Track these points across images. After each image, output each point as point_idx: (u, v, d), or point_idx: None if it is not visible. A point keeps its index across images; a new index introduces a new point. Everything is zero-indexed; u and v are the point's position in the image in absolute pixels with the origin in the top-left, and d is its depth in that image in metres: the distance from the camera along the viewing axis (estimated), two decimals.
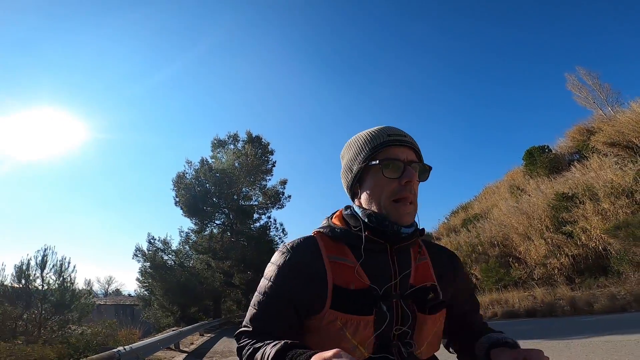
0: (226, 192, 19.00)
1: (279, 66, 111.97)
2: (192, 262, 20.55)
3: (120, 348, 5.22)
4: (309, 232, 0.86)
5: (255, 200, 21.24)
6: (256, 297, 0.78)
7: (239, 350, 0.74)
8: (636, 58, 37.27)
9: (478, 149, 76.46)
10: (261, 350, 0.65)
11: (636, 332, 5.37)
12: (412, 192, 0.76)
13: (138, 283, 21.56)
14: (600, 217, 12.06)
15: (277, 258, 0.79)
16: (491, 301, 11.54)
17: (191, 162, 20.11)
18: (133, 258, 20.26)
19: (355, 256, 0.76)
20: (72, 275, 10.47)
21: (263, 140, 21.44)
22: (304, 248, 0.79)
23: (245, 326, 0.77)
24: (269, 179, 21.58)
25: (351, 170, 0.82)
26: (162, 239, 20.61)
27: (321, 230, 0.83)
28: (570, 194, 13.96)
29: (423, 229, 0.83)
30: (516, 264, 14.07)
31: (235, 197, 19.78)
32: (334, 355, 0.51)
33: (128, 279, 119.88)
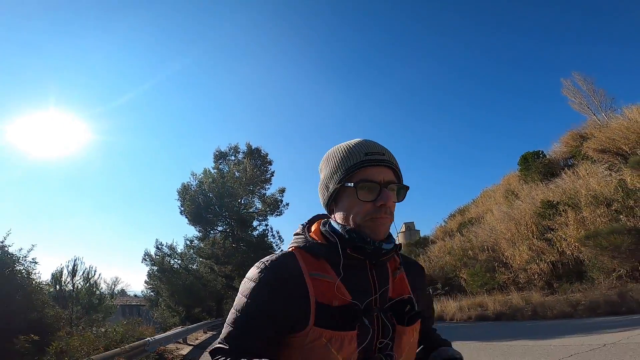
0: (227, 201, 20.14)
1: (279, 67, 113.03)
2: (196, 265, 21.81)
3: (149, 338, 7.35)
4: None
5: (255, 208, 22.29)
6: (232, 314, 0.76)
7: None
8: (632, 64, 37.00)
9: (479, 151, 76.22)
10: None
11: (561, 337, 6.01)
12: (387, 213, 0.76)
13: (145, 285, 22.82)
14: (578, 225, 12.50)
15: (254, 274, 0.76)
16: (470, 305, 12.09)
17: (195, 174, 21.50)
18: (142, 262, 21.61)
19: (336, 272, 0.75)
20: (98, 281, 12.66)
21: (262, 151, 22.68)
22: (284, 265, 0.76)
23: (220, 344, 0.74)
24: (268, 187, 22.69)
25: (327, 189, 0.82)
26: (168, 244, 21.90)
27: (299, 245, 0.81)
28: (554, 202, 14.39)
29: (400, 244, 0.84)
30: (502, 269, 14.55)
31: (235, 206, 20.91)
32: None
33: (133, 280, 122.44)
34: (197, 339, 13.43)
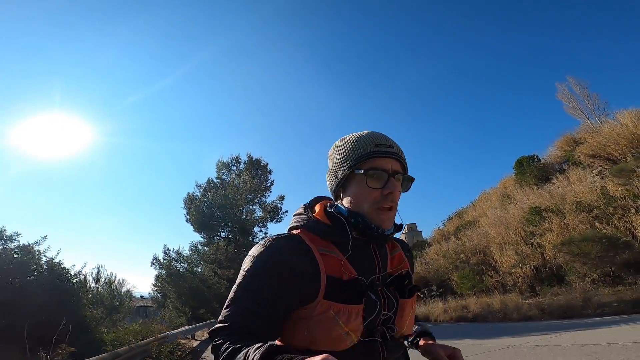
0: (229, 209, 21.63)
1: (279, 68, 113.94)
2: (200, 268, 23.03)
3: (168, 332, 9.38)
4: None
5: (255, 216, 23.53)
6: (235, 292, 0.74)
7: (215, 349, 0.68)
8: (625, 67, 36.68)
9: (481, 152, 75.89)
10: (243, 352, 0.60)
11: (499, 337, 6.56)
12: (393, 202, 0.79)
13: (153, 287, 24.21)
14: (562, 231, 12.98)
15: (259, 251, 0.76)
16: (456, 307, 12.62)
17: (199, 185, 23.36)
18: (151, 266, 22.93)
19: (340, 250, 0.78)
20: (118, 286, 14.95)
21: (262, 161, 24.18)
22: (290, 243, 0.77)
23: (222, 322, 0.72)
24: (268, 195, 24.04)
25: (336, 175, 0.84)
26: (175, 249, 23.17)
27: (302, 225, 0.83)
28: (541, 208, 14.86)
29: (401, 225, 0.88)
30: (492, 272, 15.06)
31: (237, 214, 22.29)
32: None
33: (138, 282, 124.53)
34: (203, 336, 15.11)
